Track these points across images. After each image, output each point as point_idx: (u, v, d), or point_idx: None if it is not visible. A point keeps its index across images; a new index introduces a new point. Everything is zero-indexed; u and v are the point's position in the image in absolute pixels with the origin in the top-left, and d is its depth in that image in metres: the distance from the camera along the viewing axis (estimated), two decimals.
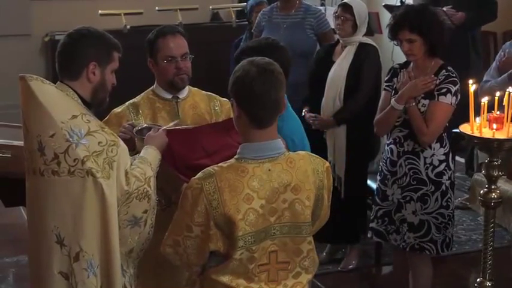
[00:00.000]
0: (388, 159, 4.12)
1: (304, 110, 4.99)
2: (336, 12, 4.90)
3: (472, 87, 3.45)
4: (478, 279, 3.53)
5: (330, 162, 4.78)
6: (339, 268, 5.06)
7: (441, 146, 4.02)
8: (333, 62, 4.92)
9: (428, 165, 3.99)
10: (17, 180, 3.42)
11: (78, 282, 2.81)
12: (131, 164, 2.90)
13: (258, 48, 3.22)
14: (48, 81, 2.86)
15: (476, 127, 3.33)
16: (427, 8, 4.10)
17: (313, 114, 4.92)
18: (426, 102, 3.95)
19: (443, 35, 4.00)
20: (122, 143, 2.88)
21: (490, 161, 3.36)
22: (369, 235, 4.27)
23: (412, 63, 4.08)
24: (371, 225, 4.23)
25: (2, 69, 7.45)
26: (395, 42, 4.11)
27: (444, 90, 3.93)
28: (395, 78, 4.10)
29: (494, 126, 3.31)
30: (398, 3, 6.64)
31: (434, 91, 3.94)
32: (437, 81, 3.95)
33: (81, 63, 2.89)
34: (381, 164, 4.22)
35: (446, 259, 4.94)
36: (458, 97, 4.00)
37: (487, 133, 3.33)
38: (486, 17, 6.25)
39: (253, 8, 6.15)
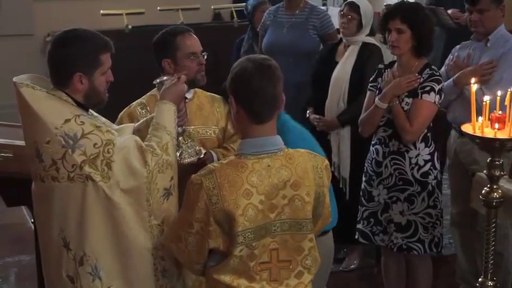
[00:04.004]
0: (374, 160, 4.11)
1: (308, 111, 4.99)
2: (342, 11, 4.90)
3: (474, 86, 3.45)
4: (480, 279, 3.52)
5: (334, 164, 4.82)
6: (341, 268, 5.07)
7: (426, 146, 4.02)
8: (336, 62, 4.92)
9: (413, 165, 3.99)
10: (19, 180, 3.43)
11: (83, 286, 2.83)
12: (148, 133, 2.89)
13: None
14: (38, 87, 2.82)
15: (478, 127, 3.32)
16: (422, 7, 4.15)
17: (317, 116, 4.92)
18: (410, 100, 3.96)
19: (432, 36, 4.00)
20: (118, 139, 2.83)
21: (492, 160, 3.35)
22: (356, 236, 4.25)
23: (396, 64, 4.08)
24: (358, 226, 4.21)
25: (5, 69, 7.44)
26: (381, 39, 4.11)
27: (428, 88, 3.94)
28: (380, 78, 4.11)
29: (496, 126, 3.31)
30: None
31: (417, 89, 3.94)
32: (421, 80, 3.95)
33: (66, 75, 2.83)
34: (366, 164, 4.21)
35: (446, 259, 4.93)
36: (442, 96, 4.00)
37: (488, 133, 3.32)
38: None
39: (256, 8, 6.15)
